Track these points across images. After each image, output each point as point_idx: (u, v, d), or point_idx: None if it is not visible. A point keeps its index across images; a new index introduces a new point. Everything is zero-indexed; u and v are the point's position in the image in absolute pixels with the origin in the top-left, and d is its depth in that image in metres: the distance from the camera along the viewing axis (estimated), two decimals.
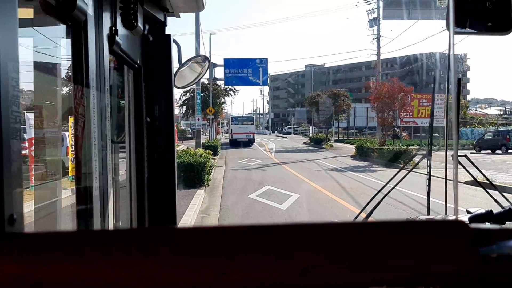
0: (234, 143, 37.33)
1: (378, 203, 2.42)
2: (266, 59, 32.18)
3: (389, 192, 2.50)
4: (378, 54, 33.15)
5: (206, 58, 2.62)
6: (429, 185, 2.65)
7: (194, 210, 9.69)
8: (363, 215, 2.49)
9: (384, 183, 2.56)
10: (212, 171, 15.41)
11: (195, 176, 12.90)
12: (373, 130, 49.10)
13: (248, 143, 37.11)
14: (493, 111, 78.96)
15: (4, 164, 0.65)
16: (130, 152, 1.79)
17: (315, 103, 39.20)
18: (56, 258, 0.41)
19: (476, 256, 0.42)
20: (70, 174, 14.13)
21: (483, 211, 1.72)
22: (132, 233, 0.52)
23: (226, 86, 36.61)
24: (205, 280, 0.40)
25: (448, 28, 1.37)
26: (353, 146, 33.02)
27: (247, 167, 19.80)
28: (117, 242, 0.44)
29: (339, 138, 45.79)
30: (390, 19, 28.79)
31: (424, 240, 0.43)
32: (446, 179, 2.25)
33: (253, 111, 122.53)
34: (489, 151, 29.40)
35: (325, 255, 0.42)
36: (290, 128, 75.35)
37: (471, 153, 28.38)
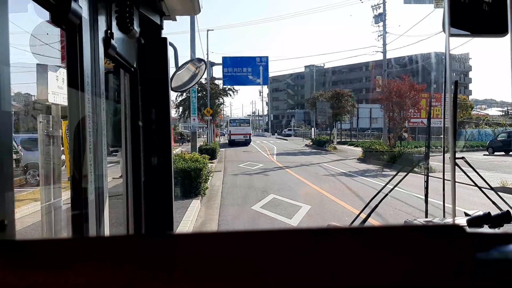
0: (233, 143, 39.76)
1: (376, 206, 2.57)
2: (267, 58, 30.68)
3: (387, 194, 2.52)
4: (384, 51, 31.68)
5: (203, 61, 2.57)
6: (426, 188, 2.69)
7: (187, 227, 8.18)
8: (362, 215, 2.57)
9: (384, 184, 2.66)
10: (210, 177, 13.83)
11: (190, 184, 11.30)
12: (375, 131, 47.66)
13: (245, 143, 39.85)
14: (494, 111, 77.91)
15: None
16: (127, 156, 1.78)
17: (318, 104, 37.77)
18: (49, 265, 0.41)
19: (473, 261, 0.42)
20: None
21: (481, 213, 1.75)
22: (127, 240, 0.50)
23: (224, 86, 35.11)
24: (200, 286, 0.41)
25: (444, 30, 1.39)
26: (357, 149, 31.78)
27: (248, 172, 18.25)
28: (111, 249, 0.44)
29: (342, 140, 44.34)
30: (411, 3, 26.87)
31: (420, 246, 0.43)
32: (444, 180, 2.35)
33: (252, 113, 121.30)
34: (503, 153, 27.87)
35: (319, 261, 0.42)
36: (291, 130, 73.92)
37: (484, 155, 27.00)
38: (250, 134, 42.01)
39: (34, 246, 0.43)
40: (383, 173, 17.78)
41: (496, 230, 1.27)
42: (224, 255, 0.42)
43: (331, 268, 0.41)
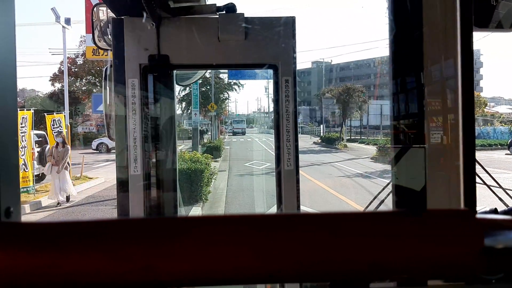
0: (234, 133, 60.56)
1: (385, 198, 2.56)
2: None
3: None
4: None
5: None
6: None
7: None
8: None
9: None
10: (213, 180, 12.33)
11: (190, 188, 9.80)
12: (385, 129, 45.98)
13: (242, 133, 60.17)
14: (504, 109, 76.16)
15: (1, 159, 0.69)
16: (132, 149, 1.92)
17: (327, 100, 36.26)
18: (52, 247, 0.42)
19: (481, 247, 0.42)
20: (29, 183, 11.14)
21: (487, 209, 1.77)
22: (127, 223, 0.49)
23: (230, 80, 33.53)
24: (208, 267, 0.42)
25: None
26: (369, 147, 30.27)
27: (255, 172, 16.75)
28: (112, 232, 0.45)
29: (352, 137, 42.79)
30: None
31: (429, 230, 0.43)
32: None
33: (258, 109, 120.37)
34: None
35: (326, 246, 0.42)
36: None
37: (506, 154, 25.32)
38: (245, 128, 64.74)
39: (37, 229, 0.44)
40: None
41: (505, 217, 0.67)
42: (232, 234, 0.42)
43: (332, 255, 0.42)
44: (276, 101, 1.84)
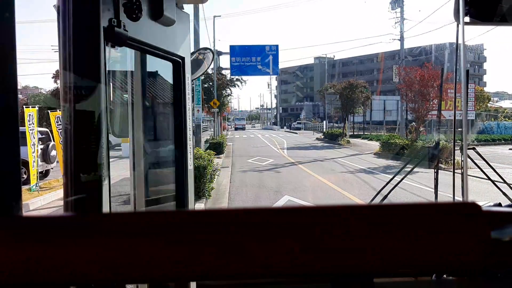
0: (236, 129, 71.98)
1: (394, 187, 2.65)
2: (277, 46, 29.08)
3: (403, 178, 2.91)
4: (402, 39, 29.82)
5: (210, 50, 2.55)
6: (436, 178, 2.86)
7: None
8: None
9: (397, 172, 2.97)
10: (216, 176, 12.34)
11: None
12: (388, 124, 45.87)
13: (243, 128, 72.86)
14: (507, 104, 75.70)
15: (2, 154, 0.70)
16: (137, 145, 1.83)
17: (330, 95, 36.21)
18: (54, 240, 0.42)
19: (488, 240, 0.42)
20: (33, 181, 11.17)
21: (492, 204, 1.78)
22: (126, 216, 0.48)
23: (232, 76, 33.54)
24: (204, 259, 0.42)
25: (456, 19, 1.44)
26: (372, 142, 30.23)
27: (257, 168, 16.77)
28: (113, 225, 0.45)
29: (354, 133, 42.71)
30: None
31: (434, 223, 0.43)
32: (454, 171, 2.24)
33: (260, 106, 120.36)
34: None
35: (328, 240, 0.42)
36: (300, 123, 72.30)
37: (509, 149, 25.26)
38: (245, 124, 79.65)
39: (39, 222, 0.44)
40: (406, 169, 16.19)
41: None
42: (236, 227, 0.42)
43: (334, 247, 0.41)
44: (179, 97, 1.69)
